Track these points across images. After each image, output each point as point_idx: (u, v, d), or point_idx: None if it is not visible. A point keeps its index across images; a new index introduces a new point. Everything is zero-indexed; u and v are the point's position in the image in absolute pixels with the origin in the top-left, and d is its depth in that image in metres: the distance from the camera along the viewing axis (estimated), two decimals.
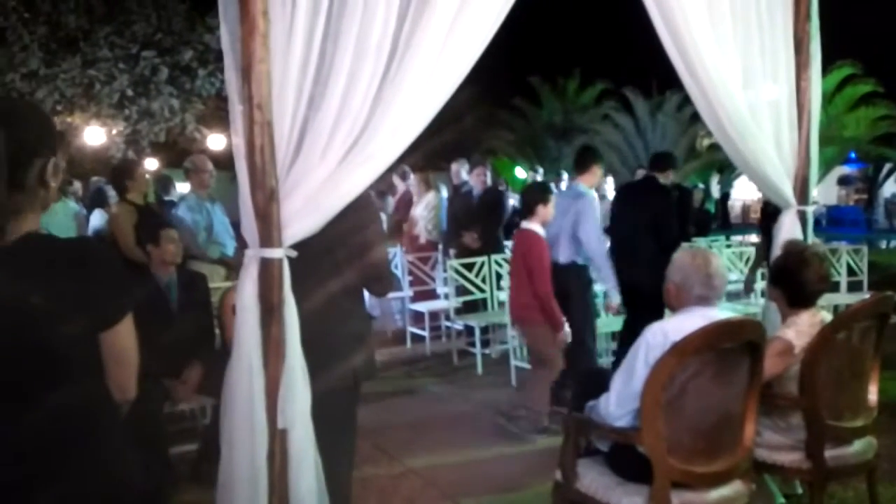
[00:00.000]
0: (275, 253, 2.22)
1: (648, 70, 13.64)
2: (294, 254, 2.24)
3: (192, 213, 5.05)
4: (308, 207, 2.27)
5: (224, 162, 7.03)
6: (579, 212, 4.53)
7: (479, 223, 6.45)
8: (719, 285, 2.49)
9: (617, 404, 2.38)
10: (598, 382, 2.58)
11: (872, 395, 2.83)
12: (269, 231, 2.22)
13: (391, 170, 6.85)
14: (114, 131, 13.20)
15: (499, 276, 6.08)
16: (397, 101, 2.37)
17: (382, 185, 7.13)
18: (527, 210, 4.27)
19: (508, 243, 7.30)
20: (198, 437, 3.76)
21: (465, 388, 5.24)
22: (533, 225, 4.21)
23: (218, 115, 13.25)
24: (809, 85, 3.83)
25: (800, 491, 3.12)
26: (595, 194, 4.88)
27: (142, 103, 13.11)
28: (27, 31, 12.07)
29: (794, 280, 2.82)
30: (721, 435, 2.34)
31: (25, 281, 1.32)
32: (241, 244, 2.33)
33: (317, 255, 2.26)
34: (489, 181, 7.00)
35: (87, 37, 12.58)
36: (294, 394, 2.20)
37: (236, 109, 2.25)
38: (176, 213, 5.16)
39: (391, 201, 7.75)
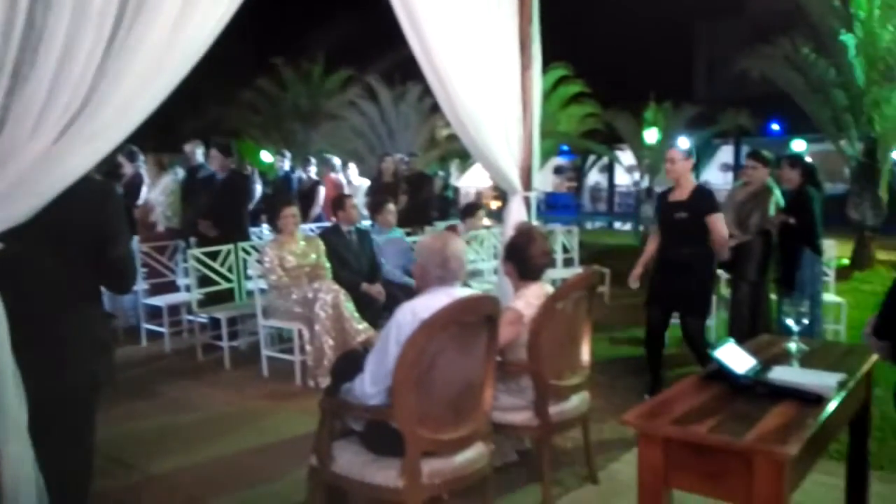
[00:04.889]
0: None
1: (391, 60, 14.08)
2: (1, 246, 1.92)
3: None
4: (19, 190, 1.97)
5: None
6: None
7: (222, 210, 6.05)
8: (456, 268, 2.63)
9: (371, 383, 2.45)
10: (354, 365, 2.62)
11: (586, 355, 3.28)
12: None
13: (118, 150, 6.19)
14: None
15: (245, 265, 5.83)
16: (126, 74, 2.16)
17: (106, 167, 6.38)
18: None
19: (255, 230, 7.06)
20: None
21: (212, 385, 4.96)
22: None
23: None
24: (532, 83, 4.28)
25: (529, 446, 3.49)
26: None
27: None
28: None
29: (523, 255, 3.16)
30: (465, 402, 2.53)
31: None
32: None
33: (47, 249, 1.97)
34: (230, 164, 6.59)
35: None
36: (5, 405, 1.90)
37: None
38: None
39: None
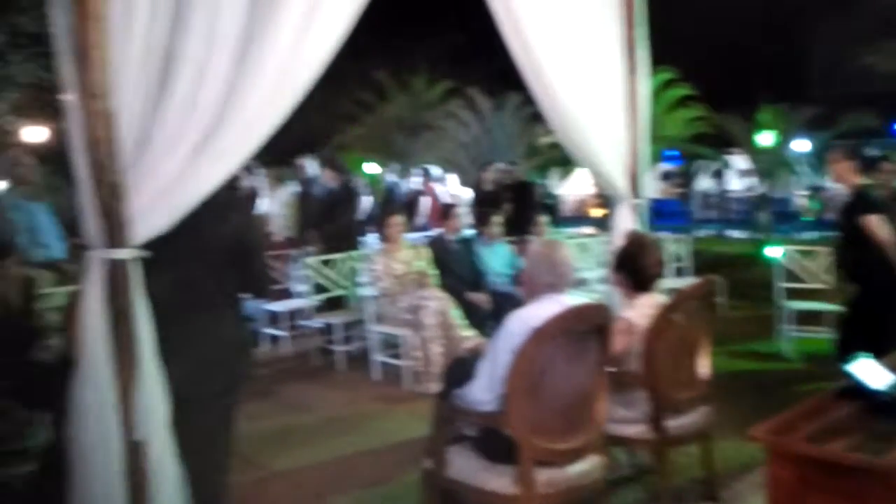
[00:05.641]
0: (122, 253, 2.07)
1: (491, 71, 14.15)
2: (145, 254, 2.09)
3: (10, 212, 4.56)
4: (158, 204, 2.14)
5: (44, 156, 6.39)
6: None
7: (331, 221, 6.33)
8: (565, 273, 2.63)
9: (484, 390, 2.47)
10: (465, 371, 2.65)
11: (704, 368, 3.15)
12: (113, 230, 2.07)
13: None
14: None
15: (354, 273, 6.04)
16: (252, 93, 2.29)
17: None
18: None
19: (363, 239, 7.29)
20: (31, 457, 3.41)
21: (327, 387, 5.16)
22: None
23: (37, 105, 11.97)
24: (639, 88, 4.18)
25: (644, 460, 3.39)
26: None
27: None
28: None
29: (635, 265, 3.08)
30: (577, 413, 2.50)
31: None
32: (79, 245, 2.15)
33: (193, 257, 2.14)
34: (342, 177, 6.87)
35: None
36: (150, 404, 2.07)
37: (70, 99, 2.06)
38: None
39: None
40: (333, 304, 5.93)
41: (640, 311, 3.01)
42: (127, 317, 2.06)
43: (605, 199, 4.66)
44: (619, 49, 4.07)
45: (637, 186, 4.18)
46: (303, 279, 6.23)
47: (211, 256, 2.20)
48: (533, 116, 15.85)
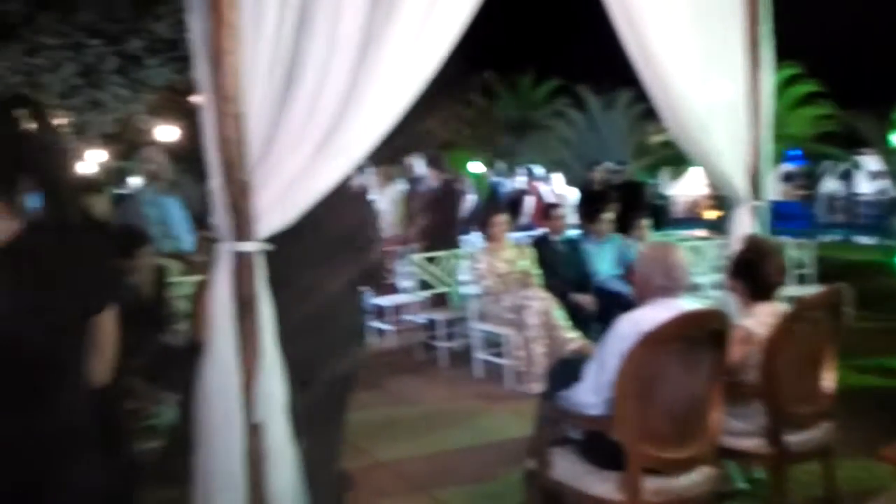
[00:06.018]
0: (248, 246, 2.19)
1: (599, 68, 13.86)
2: (269, 247, 2.21)
3: (145, 206, 4.93)
4: (281, 201, 2.25)
5: (176, 153, 6.86)
6: None
7: (433, 219, 6.43)
8: (680, 276, 2.55)
9: (591, 392, 2.43)
10: (570, 372, 2.63)
11: (829, 381, 2.96)
12: (242, 224, 2.20)
13: None
14: (61, 121, 12.73)
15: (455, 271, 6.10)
16: (369, 93, 2.35)
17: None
18: None
19: (466, 238, 7.35)
20: (159, 435, 3.68)
21: (430, 382, 5.26)
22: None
23: (169, 106, 12.92)
24: (762, 84, 3.97)
25: (760, 476, 3.23)
26: None
27: (89, 93, 12.68)
28: None
29: (755, 272, 2.93)
30: (689, 421, 2.42)
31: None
32: (207, 237, 2.32)
33: (319, 249, 2.26)
34: (445, 176, 6.96)
35: (29, 23, 12.09)
36: (270, 388, 2.19)
37: (204, 101, 2.20)
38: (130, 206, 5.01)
39: None
40: (437, 301, 6.04)
41: (760, 319, 2.86)
42: (252, 306, 2.18)
43: (720, 201, 4.48)
44: (742, 43, 3.88)
45: (758, 187, 3.96)
46: (408, 275, 6.37)
47: (335, 248, 2.32)
48: (644, 114, 15.42)
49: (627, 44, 3.52)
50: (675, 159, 12.55)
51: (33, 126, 1.39)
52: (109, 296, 1.47)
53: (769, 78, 3.99)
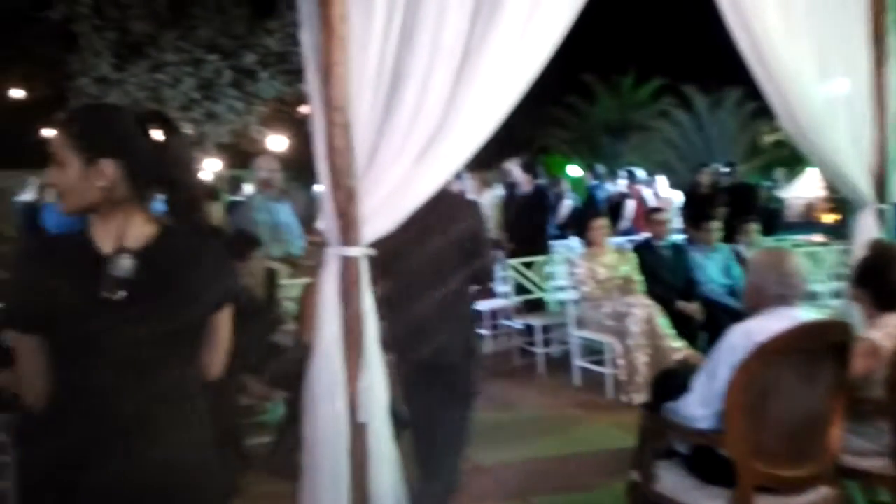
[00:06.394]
0: (354, 251, 2.27)
1: (706, 66, 13.32)
2: (372, 252, 2.28)
3: (256, 212, 5.18)
4: (385, 207, 2.32)
5: (285, 162, 7.18)
6: None
7: (523, 223, 6.38)
8: (797, 284, 2.43)
9: (699, 405, 2.34)
10: (675, 384, 2.54)
11: None
12: (348, 230, 2.27)
13: None
14: (185, 133, 13.65)
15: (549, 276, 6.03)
16: (469, 101, 2.38)
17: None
18: None
19: (557, 243, 7.25)
20: (269, 430, 3.86)
21: (527, 388, 5.23)
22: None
23: (279, 117, 13.57)
24: (886, 80, 3.70)
25: (884, 498, 3.00)
26: None
27: (207, 106, 13.53)
28: (98, 37, 12.61)
29: (881, 281, 2.73)
30: (806, 438, 2.29)
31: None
32: (315, 242, 2.53)
33: (437, 250, 2.41)
34: (537, 181, 6.86)
35: (154, 42, 13.04)
36: (373, 389, 2.25)
37: (316, 111, 2.30)
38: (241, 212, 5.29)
39: None
40: (533, 306, 5.99)
41: (886, 331, 2.66)
42: (357, 308, 2.26)
43: (839, 204, 4.20)
44: (865, 37, 3.64)
45: (883, 189, 3.70)
46: (504, 280, 6.36)
47: (450, 249, 2.51)
48: (755, 112, 14.70)
49: (738, 39, 3.37)
50: (790, 160, 11.88)
51: (166, 138, 1.50)
52: (228, 296, 1.57)
53: (894, 72, 3.72)
